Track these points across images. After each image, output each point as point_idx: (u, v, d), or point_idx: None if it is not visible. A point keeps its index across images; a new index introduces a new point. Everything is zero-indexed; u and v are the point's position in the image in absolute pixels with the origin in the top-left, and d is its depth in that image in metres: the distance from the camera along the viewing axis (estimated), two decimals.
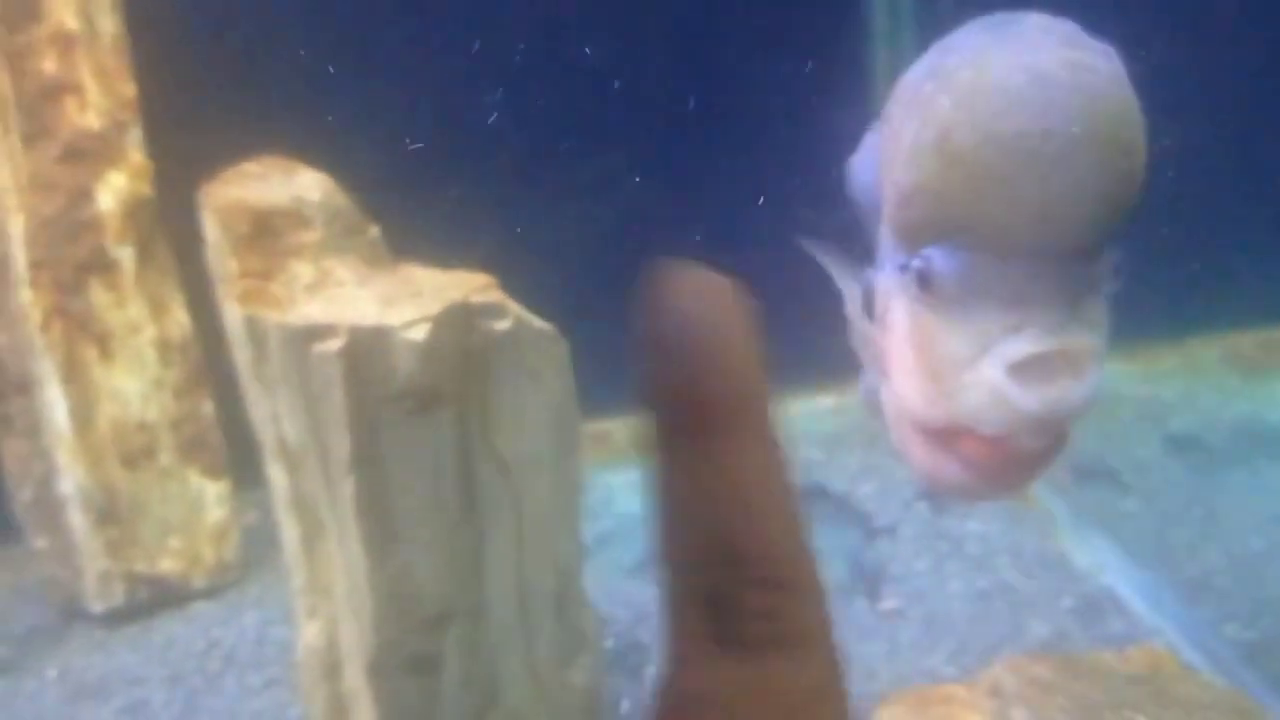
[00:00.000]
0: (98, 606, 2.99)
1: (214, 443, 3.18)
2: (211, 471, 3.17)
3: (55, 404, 2.97)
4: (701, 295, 0.32)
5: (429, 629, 2.19)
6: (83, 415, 2.99)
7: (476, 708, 2.25)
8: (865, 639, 2.65)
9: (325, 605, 2.32)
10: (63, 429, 2.97)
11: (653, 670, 2.62)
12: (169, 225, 3.14)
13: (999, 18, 1.01)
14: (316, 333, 1.99)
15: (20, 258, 2.96)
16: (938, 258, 0.95)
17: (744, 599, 0.31)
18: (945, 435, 0.99)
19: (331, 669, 2.34)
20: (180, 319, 3.16)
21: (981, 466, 0.98)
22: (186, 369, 3.16)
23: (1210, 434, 3.29)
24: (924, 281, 0.96)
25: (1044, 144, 0.89)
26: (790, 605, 0.32)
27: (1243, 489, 3.01)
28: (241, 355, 2.16)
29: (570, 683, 2.31)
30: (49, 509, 3.04)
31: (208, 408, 3.18)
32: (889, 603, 2.77)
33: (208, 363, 3.18)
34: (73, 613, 3.03)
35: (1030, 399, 0.93)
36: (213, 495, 3.16)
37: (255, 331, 2.06)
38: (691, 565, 0.32)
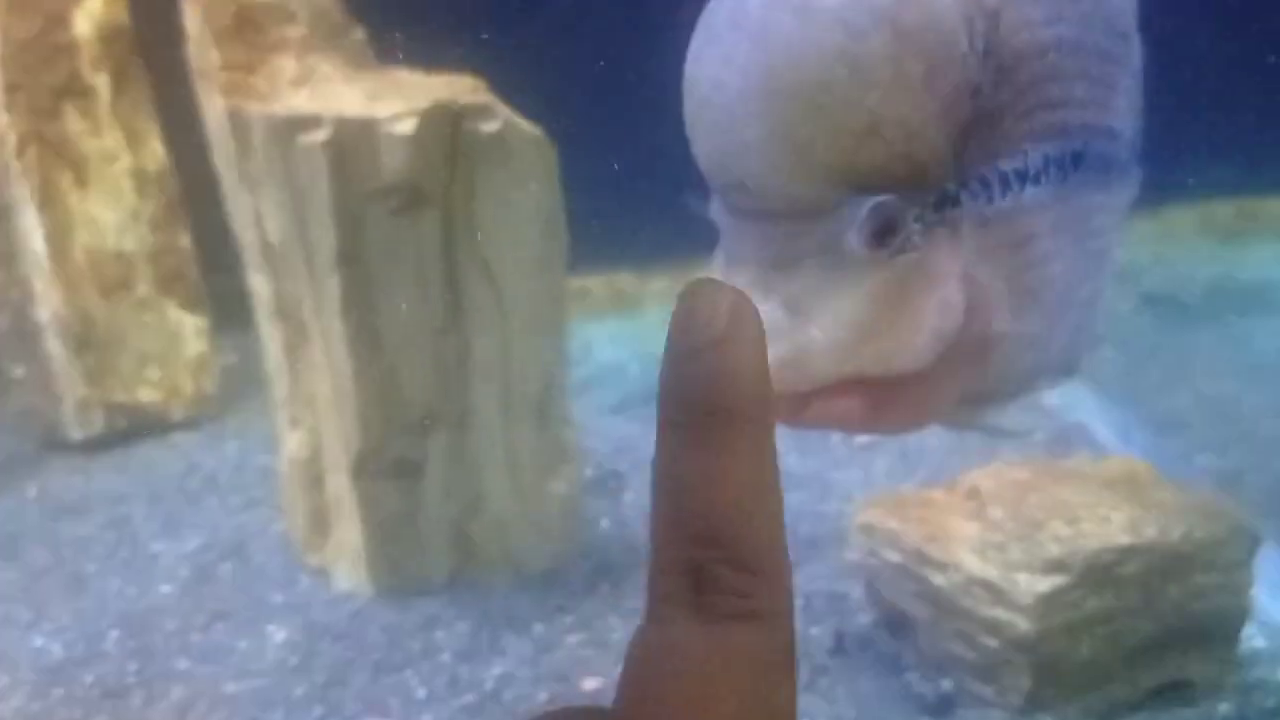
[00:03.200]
0: (76, 434, 2.99)
1: (191, 277, 3.16)
2: (189, 305, 3.15)
3: (31, 230, 2.94)
4: (729, 313, 0.37)
5: (413, 434, 2.21)
6: (59, 242, 2.96)
7: (459, 515, 2.28)
8: (841, 468, 2.69)
9: (308, 416, 2.33)
10: (39, 255, 2.94)
11: (630, 495, 2.66)
12: (144, 57, 3.10)
13: None
14: (301, 123, 1.97)
15: None
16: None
17: (721, 575, 0.36)
18: None
19: (314, 480, 2.36)
20: (156, 151, 3.12)
21: None
22: (164, 201, 3.12)
23: (1184, 292, 3.33)
24: None
25: (715, 93, 0.80)
26: (760, 587, 0.36)
27: (1214, 340, 3.06)
28: (223, 153, 2.14)
29: (552, 492, 2.34)
30: (26, 337, 3.01)
31: (185, 241, 3.15)
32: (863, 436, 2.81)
33: (184, 198, 3.15)
34: (51, 441, 3.03)
35: None
36: (191, 328, 3.15)
37: (238, 124, 2.03)
38: (680, 539, 0.36)
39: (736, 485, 0.36)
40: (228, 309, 3.22)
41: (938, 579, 1.91)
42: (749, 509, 0.36)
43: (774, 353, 0.84)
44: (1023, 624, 1.83)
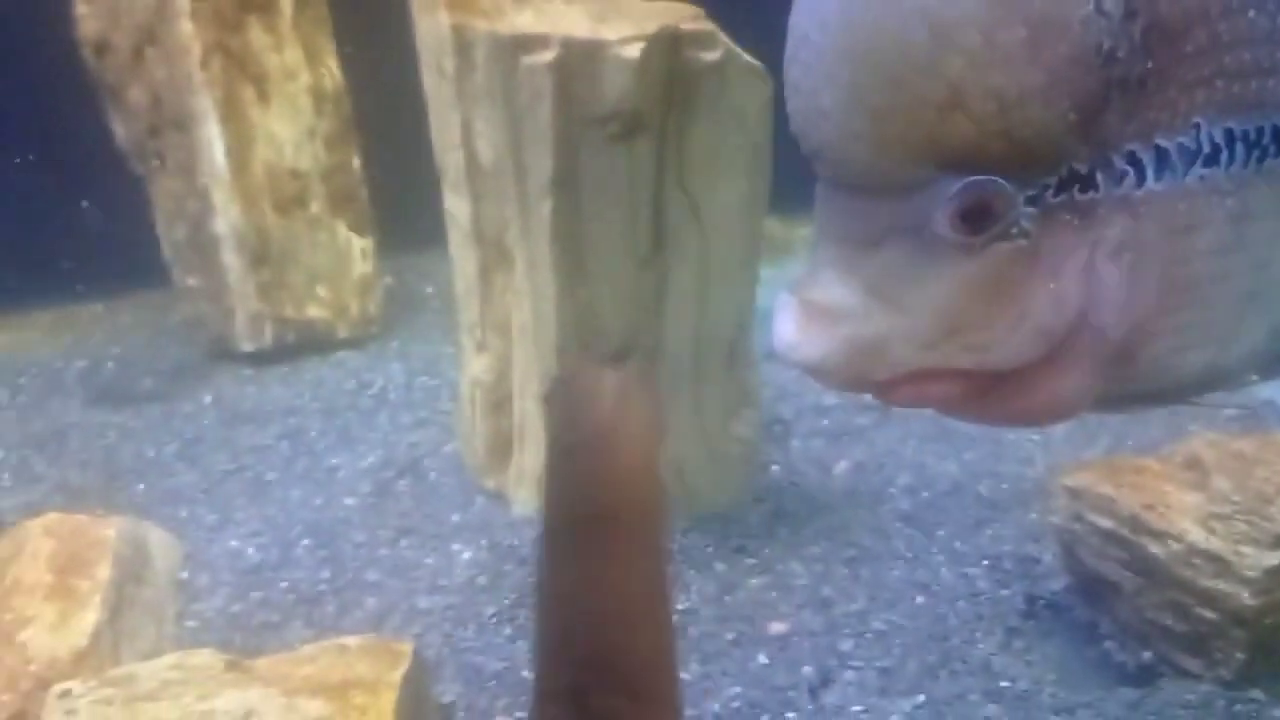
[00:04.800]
0: (246, 346, 3.04)
1: (361, 198, 3.18)
2: (358, 226, 3.18)
3: (213, 142, 2.97)
4: (614, 405, 0.34)
5: (607, 364, 2.19)
6: (239, 155, 2.99)
7: None
8: (1017, 429, 2.63)
9: (496, 340, 2.33)
10: (220, 168, 2.97)
11: (797, 443, 2.63)
12: None
13: None
14: (527, 43, 1.95)
15: None
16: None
17: (601, 702, 0.35)
18: None
19: (497, 405, 2.36)
20: (334, 69, 3.13)
21: None
22: (338, 121, 3.14)
23: None
24: None
25: (801, 49, 0.74)
26: (642, 714, 0.35)
27: None
28: (439, 70, 2.12)
29: (733, 434, 2.32)
30: (202, 248, 3.06)
31: (356, 162, 3.17)
32: None
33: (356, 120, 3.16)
34: (220, 352, 3.08)
35: (778, 336, 0.77)
36: (359, 249, 3.17)
37: (462, 41, 2.01)
38: (563, 662, 0.36)
39: (621, 600, 0.34)
40: (386, 232, 3.25)
41: (1154, 548, 1.85)
42: (635, 625, 0.34)
43: (848, 337, 0.76)
44: (1246, 597, 1.77)
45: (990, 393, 0.80)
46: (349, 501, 2.37)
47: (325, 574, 2.14)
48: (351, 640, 1.78)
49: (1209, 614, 1.81)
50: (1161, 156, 0.74)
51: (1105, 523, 1.92)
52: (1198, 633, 1.84)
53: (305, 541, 2.23)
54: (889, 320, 0.76)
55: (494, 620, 2.02)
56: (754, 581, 2.16)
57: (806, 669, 1.92)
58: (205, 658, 1.74)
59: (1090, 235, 0.75)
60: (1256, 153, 0.76)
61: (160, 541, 2.15)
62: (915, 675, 1.90)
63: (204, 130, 2.98)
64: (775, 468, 2.53)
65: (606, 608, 0.34)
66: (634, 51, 1.93)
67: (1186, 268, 0.77)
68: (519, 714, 1.80)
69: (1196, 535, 1.81)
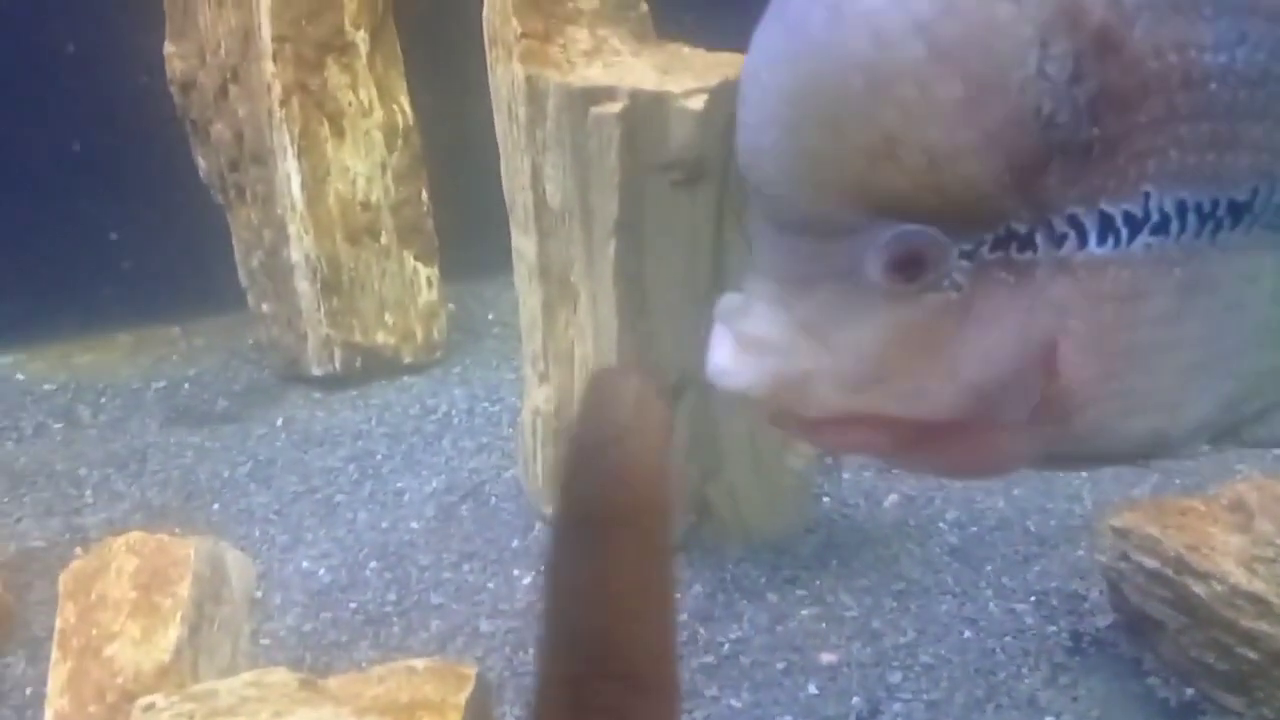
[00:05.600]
0: (316, 370, 3.16)
1: (428, 229, 3.30)
2: (425, 256, 3.29)
3: (290, 176, 3.10)
4: (632, 408, 0.36)
5: (665, 397, 2.27)
6: (314, 188, 3.11)
7: (697, 478, 2.35)
8: None
9: (558, 372, 2.42)
10: (296, 200, 3.10)
11: (848, 475, 2.69)
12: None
13: None
14: (597, 94, 2.04)
15: (266, 31, 3.05)
16: None
17: (601, 692, 0.35)
18: None
19: (557, 433, 2.45)
20: (405, 106, 3.25)
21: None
22: (409, 156, 3.25)
23: None
24: None
25: (749, 85, 0.76)
26: (642, 705, 0.35)
27: None
28: (511, 117, 2.23)
29: (787, 465, 2.39)
30: (276, 276, 3.19)
31: (424, 195, 3.29)
32: None
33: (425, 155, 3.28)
34: (290, 375, 3.21)
35: (710, 362, 0.77)
36: (425, 278, 3.29)
37: (535, 91, 2.11)
38: (565, 651, 0.35)
39: (626, 595, 0.35)
40: (448, 259, 3.36)
41: (1197, 588, 1.90)
42: (639, 618, 0.35)
43: (776, 370, 0.76)
44: None
45: (921, 444, 0.80)
46: (414, 525, 2.47)
47: (392, 596, 2.24)
48: (419, 662, 1.87)
49: (1251, 654, 1.85)
50: (1106, 222, 0.73)
51: (1150, 563, 1.96)
52: (1239, 672, 1.88)
53: (373, 564, 2.33)
54: (817, 359, 0.76)
55: None
56: (805, 612, 2.22)
57: (855, 700, 1.98)
58: (281, 676, 1.84)
59: (1027, 295, 0.75)
60: (1210, 224, 0.75)
61: (236, 561, 2.26)
62: (962, 709, 1.96)
63: (282, 164, 3.11)
64: (826, 500, 2.59)
65: (611, 600, 0.35)
66: (698, 103, 2.02)
67: (1130, 335, 0.76)
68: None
69: (1239, 577, 1.86)
